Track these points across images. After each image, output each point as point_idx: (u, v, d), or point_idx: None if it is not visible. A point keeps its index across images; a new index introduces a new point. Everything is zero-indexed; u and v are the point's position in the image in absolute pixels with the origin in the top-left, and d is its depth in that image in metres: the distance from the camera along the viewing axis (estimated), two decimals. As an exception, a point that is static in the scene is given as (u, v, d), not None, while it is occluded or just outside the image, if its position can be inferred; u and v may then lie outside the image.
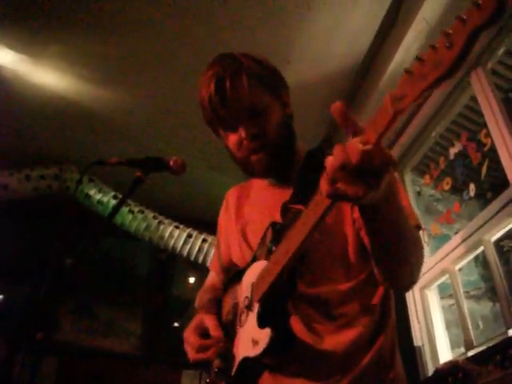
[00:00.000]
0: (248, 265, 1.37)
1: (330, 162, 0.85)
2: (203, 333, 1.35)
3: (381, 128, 0.81)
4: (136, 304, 5.03)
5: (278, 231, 1.27)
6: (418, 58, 0.74)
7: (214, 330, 1.33)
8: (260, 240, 1.35)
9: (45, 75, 3.75)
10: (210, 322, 1.37)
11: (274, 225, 1.30)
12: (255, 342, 1.17)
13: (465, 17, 0.66)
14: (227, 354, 1.31)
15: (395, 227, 1.07)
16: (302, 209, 1.17)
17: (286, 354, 1.18)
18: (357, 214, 1.28)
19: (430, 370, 2.85)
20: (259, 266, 1.27)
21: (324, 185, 0.88)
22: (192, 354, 1.33)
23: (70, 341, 4.62)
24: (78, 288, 4.71)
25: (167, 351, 4.74)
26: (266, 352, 1.14)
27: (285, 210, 1.34)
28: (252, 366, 1.23)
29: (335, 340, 1.24)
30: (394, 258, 1.14)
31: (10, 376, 4.07)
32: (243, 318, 1.30)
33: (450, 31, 0.68)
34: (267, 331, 1.14)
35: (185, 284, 5.24)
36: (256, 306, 1.22)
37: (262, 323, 1.18)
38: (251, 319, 1.23)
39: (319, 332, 1.25)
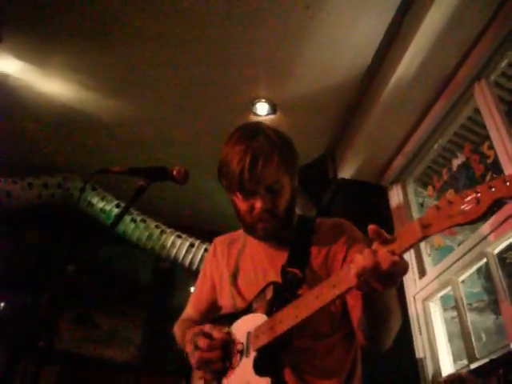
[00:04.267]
0: (242, 312, 1.52)
1: (361, 263, 1.07)
2: (207, 336, 1.46)
3: (406, 245, 1.05)
4: (137, 313, 5.02)
5: (279, 291, 1.44)
6: (448, 201, 0.96)
7: (218, 333, 1.46)
8: (257, 293, 1.51)
9: (51, 84, 3.78)
10: (210, 327, 1.50)
11: (275, 284, 1.47)
12: None
13: (493, 187, 0.88)
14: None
15: (389, 308, 1.29)
16: (298, 273, 1.49)
17: None
18: None
19: (432, 383, 2.83)
20: (257, 318, 1.42)
21: (353, 278, 1.10)
22: (198, 354, 1.43)
23: (70, 349, 4.60)
24: (79, 297, 4.70)
25: (167, 361, 4.72)
26: None
27: (284, 271, 1.52)
28: None
29: None
30: (382, 330, 1.35)
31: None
32: (234, 360, 1.42)
33: (479, 191, 0.90)
34: (266, 380, 1.29)
35: (186, 293, 5.20)
36: (253, 354, 1.37)
37: (259, 371, 1.33)
38: (246, 364, 1.37)
39: (306, 380, 1.41)
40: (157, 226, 4.42)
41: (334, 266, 1.53)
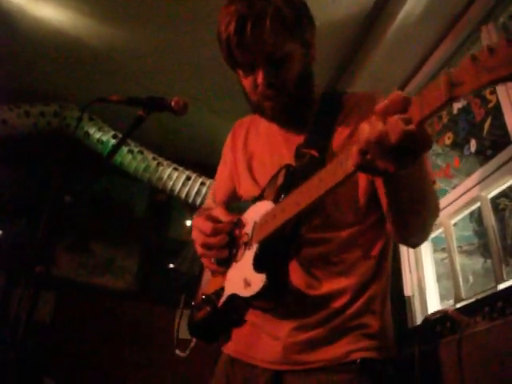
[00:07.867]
0: (253, 200, 1.35)
1: (366, 134, 0.82)
2: (213, 220, 1.32)
3: (428, 110, 0.77)
4: (133, 243, 5.08)
5: (291, 175, 1.25)
6: (489, 48, 0.68)
7: (226, 216, 1.31)
8: (270, 179, 1.32)
9: (46, 9, 3.65)
10: (220, 210, 1.35)
11: (287, 167, 1.28)
12: (247, 283, 1.17)
13: None
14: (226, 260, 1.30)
15: (417, 191, 1.07)
16: (316, 154, 1.26)
17: (276, 300, 1.18)
18: None
19: (419, 320, 2.92)
20: (265, 205, 1.24)
21: (354, 154, 0.85)
22: (202, 238, 1.30)
23: (66, 276, 4.69)
24: (76, 225, 4.75)
25: (162, 290, 4.83)
26: (256, 296, 1.14)
27: (299, 153, 1.32)
28: (239, 302, 1.23)
29: (331, 286, 1.24)
30: (413, 217, 1.14)
31: (9, 309, 4.16)
32: (239, 253, 1.27)
33: None
34: (262, 277, 1.13)
35: (181, 226, 5.28)
36: (254, 247, 1.21)
37: (257, 266, 1.17)
38: (247, 258, 1.22)
39: (317, 276, 1.25)
40: (154, 158, 4.42)
41: None
